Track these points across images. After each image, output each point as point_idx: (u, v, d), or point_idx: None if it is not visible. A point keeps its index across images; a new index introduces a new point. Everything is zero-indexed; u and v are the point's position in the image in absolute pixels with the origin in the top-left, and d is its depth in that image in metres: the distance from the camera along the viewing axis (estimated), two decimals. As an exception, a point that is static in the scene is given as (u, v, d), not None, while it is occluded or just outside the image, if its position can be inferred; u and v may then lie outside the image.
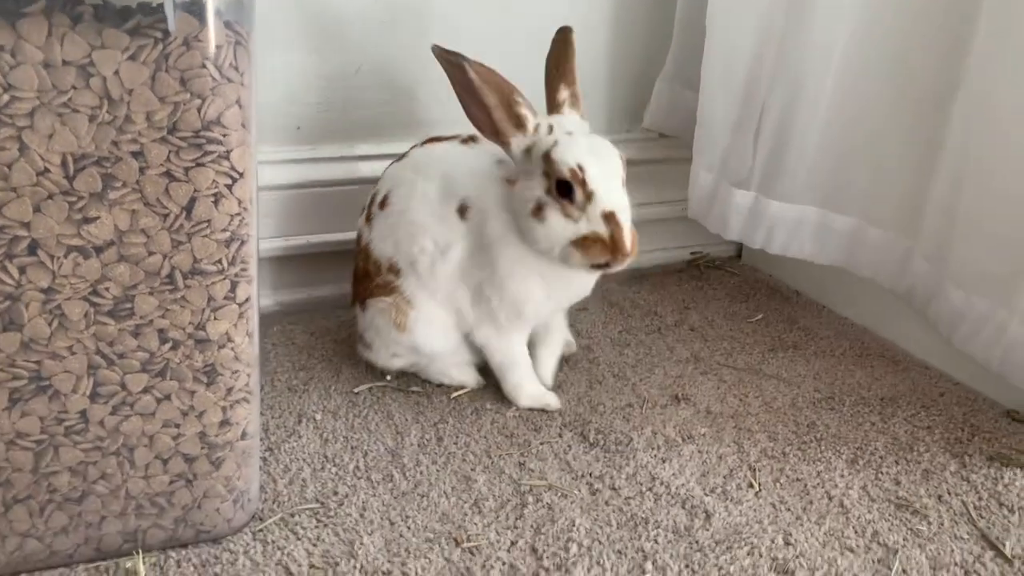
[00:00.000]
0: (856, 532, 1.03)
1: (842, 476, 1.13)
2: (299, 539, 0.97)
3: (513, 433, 1.19)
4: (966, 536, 1.03)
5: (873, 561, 0.98)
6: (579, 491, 1.08)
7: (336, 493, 1.05)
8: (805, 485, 1.11)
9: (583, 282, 1.22)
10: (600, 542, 0.99)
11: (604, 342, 1.48)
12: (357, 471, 1.10)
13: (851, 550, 1.00)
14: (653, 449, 1.17)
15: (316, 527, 0.99)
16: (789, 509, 1.06)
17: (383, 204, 1.24)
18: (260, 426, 0.99)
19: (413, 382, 1.31)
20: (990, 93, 1.16)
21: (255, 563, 0.93)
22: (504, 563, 0.95)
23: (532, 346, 1.32)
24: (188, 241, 0.82)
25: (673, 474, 1.12)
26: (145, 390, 0.86)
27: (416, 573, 0.93)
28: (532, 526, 1.01)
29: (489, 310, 1.20)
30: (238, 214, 0.84)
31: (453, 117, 1.57)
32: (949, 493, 1.11)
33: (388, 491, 1.06)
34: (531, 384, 1.27)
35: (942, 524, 1.05)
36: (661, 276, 1.77)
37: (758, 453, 1.17)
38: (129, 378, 0.85)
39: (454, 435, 1.18)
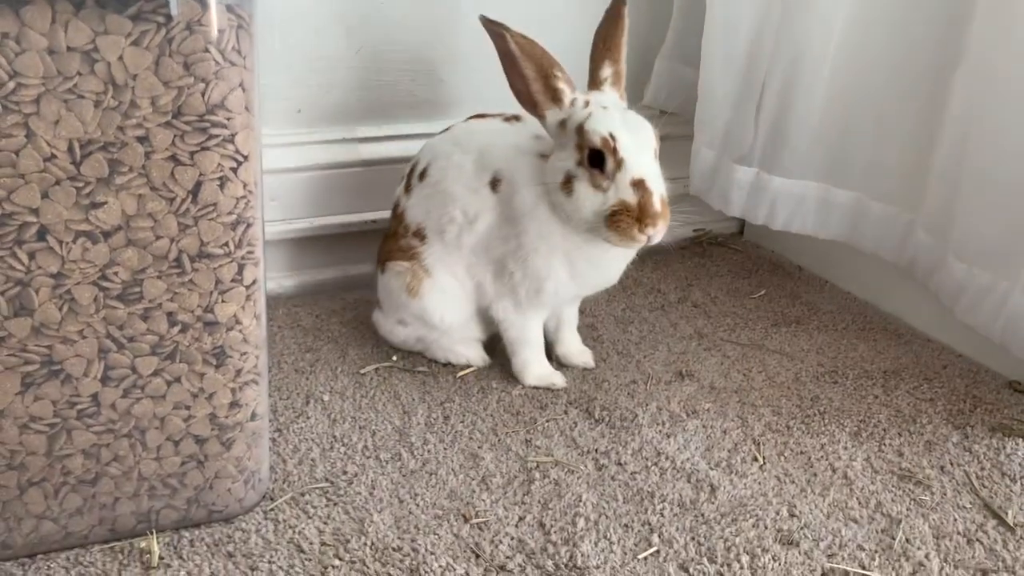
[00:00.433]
0: (860, 503, 1.04)
1: (845, 448, 1.14)
2: (310, 518, 0.98)
3: (519, 411, 1.21)
4: (969, 505, 1.04)
5: (877, 531, 0.99)
6: (585, 467, 1.09)
7: (345, 472, 1.07)
8: (809, 458, 1.12)
9: (611, 267, 1.22)
10: (607, 516, 1.00)
11: (608, 320, 1.49)
12: (366, 450, 1.11)
13: (855, 521, 1.01)
14: (658, 425, 1.18)
15: (326, 506, 1.00)
16: (793, 481, 1.07)
17: (422, 176, 1.26)
18: (269, 407, 1.00)
19: (419, 362, 1.32)
20: (991, 66, 1.16)
21: (267, 541, 0.95)
22: (512, 538, 0.96)
23: (555, 331, 1.33)
24: (195, 224, 0.83)
25: (678, 449, 1.13)
26: (155, 373, 0.87)
27: (426, 549, 0.94)
28: (539, 502, 1.02)
29: (511, 284, 1.21)
30: (243, 197, 0.84)
31: (453, 98, 1.59)
32: (952, 464, 1.12)
33: (397, 469, 1.07)
34: (539, 364, 1.28)
35: (945, 494, 1.06)
36: (664, 253, 1.77)
37: (762, 427, 1.18)
38: (139, 361, 0.86)
39: (461, 414, 1.19)
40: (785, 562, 0.94)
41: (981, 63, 1.18)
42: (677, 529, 0.98)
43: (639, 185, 1.08)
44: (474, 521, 0.99)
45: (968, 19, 1.20)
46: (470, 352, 1.31)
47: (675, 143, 1.69)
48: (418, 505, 1.01)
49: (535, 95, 1.15)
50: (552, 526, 0.98)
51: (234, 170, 0.82)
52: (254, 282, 0.89)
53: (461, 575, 0.91)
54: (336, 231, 1.54)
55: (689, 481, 1.07)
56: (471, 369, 1.31)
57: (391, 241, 1.30)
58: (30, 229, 0.78)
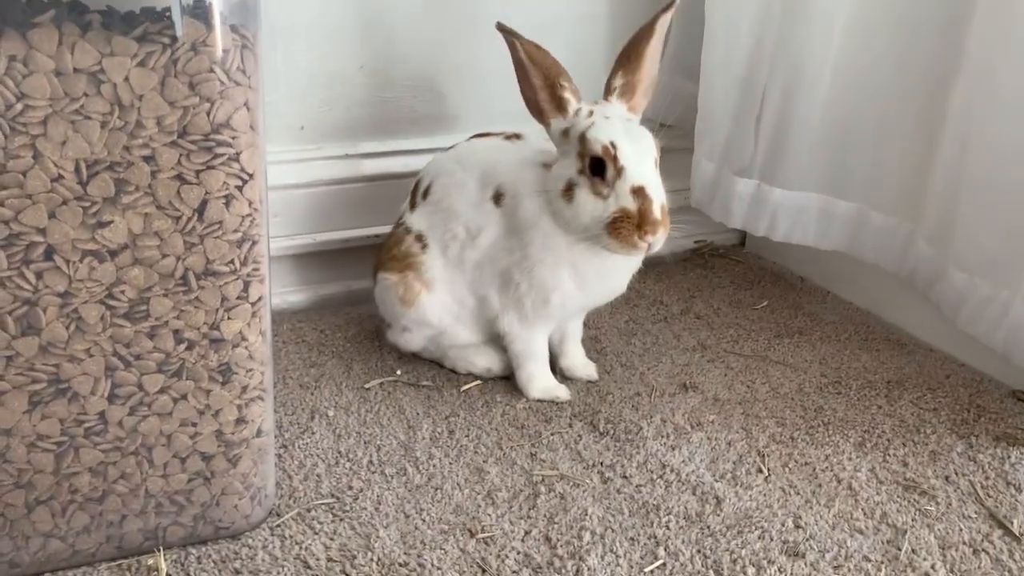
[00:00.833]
0: (865, 514, 1.04)
1: (850, 459, 1.14)
2: (316, 533, 0.99)
3: (524, 424, 1.21)
4: (974, 515, 1.04)
5: (883, 542, 0.99)
6: (591, 480, 1.09)
7: (351, 488, 1.07)
8: (814, 469, 1.12)
9: (617, 277, 1.23)
10: (613, 530, 1.00)
11: (611, 332, 1.49)
12: (371, 465, 1.11)
13: (860, 532, 1.01)
14: (663, 437, 1.18)
15: (332, 521, 1.01)
16: (798, 493, 1.07)
17: (426, 194, 1.28)
18: (274, 423, 1.00)
19: (423, 376, 1.33)
20: (990, 75, 1.17)
21: (274, 558, 0.95)
22: (519, 552, 0.96)
23: (559, 343, 1.34)
24: (200, 243, 0.83)
25: (683, 461, 1.13)
26: (162, 390, 0.87)
27: (432, 564, 0.94)
28: (545, 515, 1.02)
29: (517, 296, 1.22)
30: (249, 215, 0.85)
31: (456, 113, 1.60)
32: (956, 473, 1.12)
33: (402, 484, 1.08)
34: (543, 377, 1.28)
35: (950, 504, 1.06)
36: (666, 265, 1.78)
37: (767, 438, 1.18)
38: (146, 379, 0.86)
39: (465, 428, 1.20)
40: (791, 574, 0.94)
41: (979, 73, 1.19)
42: (683, 542, 0.98)
43: (639, 192, 1.09)
44: (480, 536, 0.99)
45: (965, 29, 1.21)
46: (486, 360, 1.32)
47: (676, 155, 1.70)
48: (424, 520, 1.01)
49: (541, 103, 1.16)
50: (558, 540, 0.98)
51: (239, 188, 0.83)
52: (260, 299, 0.89)
53: (468, 590, 0.91)
54: (339, 246, 1.54)
55: (694, 493, 1.07)
56: (476, 383, 1.31)
57: (384, 250, 1.32)
58: (37, 249, 0.78)
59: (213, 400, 0.90)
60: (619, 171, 1.09)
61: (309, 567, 0.94)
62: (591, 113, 1.14)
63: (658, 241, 1.10)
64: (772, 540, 0.99)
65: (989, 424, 1.23)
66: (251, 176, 0.84)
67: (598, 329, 1.50)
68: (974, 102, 1.20)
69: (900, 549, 0.98)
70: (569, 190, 1.12)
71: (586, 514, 1.03)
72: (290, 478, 1.08)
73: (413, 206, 1.30)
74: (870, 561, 0.96)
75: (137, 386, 0.86)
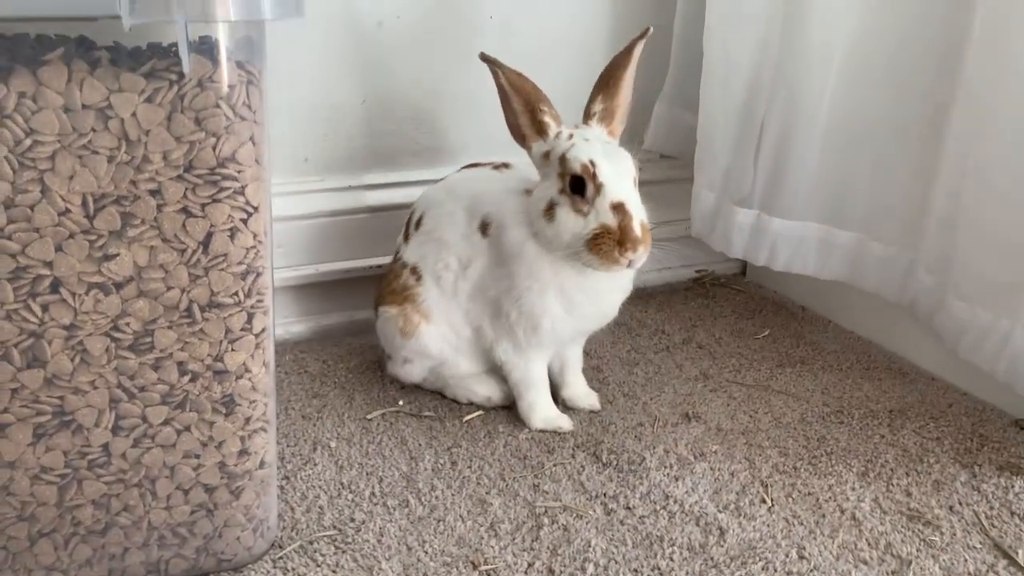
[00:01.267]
0: (869, 544, 1.03)
1: (853, 489, 1.14)
2: (318, 566, 0.98)
3: (526, 455, 1.21)
4: (979, 545, 1.04)
5: (887, 573, 0.99)
6: (594, 511, 1.09)
7: (353, 520, 1.07)
8: (817, 499, 1.12)
9: (607, 300, 1.23)
10: (616, 561, 1.00)
11: (613, 361, 1.49)
12: (373, 497, 1.11)
13: (865, 562, 1.00)
14: (666, 467, 1.18)
15: (335, 554, 1.00)
16: (802, 523, 1.07)
17: (418, 224, 1.30)
18: (277, 455, 1.00)
19: (426, 407, 1.33)
20: (986, 104, 1.18)
21: (276, 591, 0.94)
22: (522, 584, 0.96)
23: (559, 373, 1.34)
24: (205, 275, 0.84)
25: (686, 492, 1.13)
26: (165, 422, 0.87)
27: (435, 596, 0.94)
28: (548, 547, 1.02)
29: (508, 325, 1.23)
30: (253, 247, 0.86)
31: (457, 144, 1.61)
32: (960, 503, 1.11)
33: (404, 516, 1.07)
34: (545, 407, 1.28)
35: (954, 534, 1.06)
36: (667, 295, 1.78)
37: (770, 469, 1.18)
38: (150, 411, 0.86)
39: (468, 459, 1.20)
40: (796, 605, 0.94)
41: (975, 104, 1.20)
42: (687, 573, 0.98)
43: (619, 208, 1.11)
44: (483, 568, 0.99)
45: (961, 60, 1.22)
46: (487, 389, 1.32)
47: (676, 186, 1.72)
48: (426, 552, 1.01)
49: (523, 128, 1.20)
50: (561, 572, 0.98)
51: (244, 221, 0.84)
52: (263, 330, 0.90)
53: (471, 623, 0.91)
54: (342, 277, 1.55)
55: (698, 524, 1.07)
56: (478, 413, 1.31)
57: (383, 284, 1.34)
58: (44, 282, 0.79)
59: (216, 432, 0.90)
60: (598, 188, 1.11)
61: (311, 600, 0.93)
62: (571, 136, 1.17)
63: (639, 258, 1.11)
64: (776, 571, 0.99)
65: (992, 453, 1.22)
66: (256, 209, 0.84)
67: (600, 359, 1.50)
68: (971, 132, 1.21)
69: (905, 580, 0.98)
70: (550, 209, 1.14)
71: (589, 546, 1.02)
72: (292, 510, 1.08)
73: (407, 238, 1.32)
74: (875, 592, 0.96)
75: (141, 418, 0.86)
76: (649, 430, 1.27)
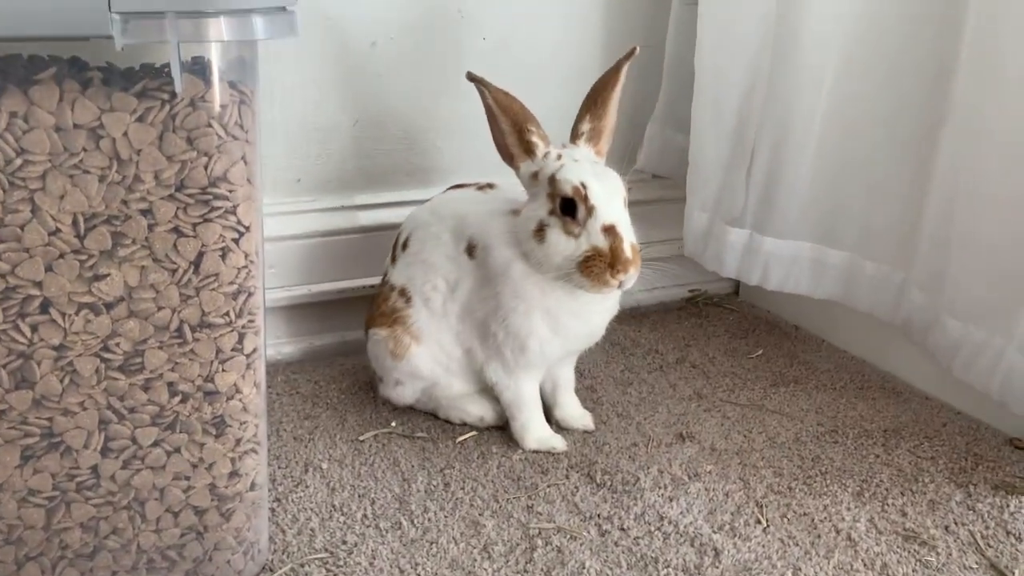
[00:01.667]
0: (865, 565, 1.03)
1: (849, 509, 1.13)
2: (310, 589, 0.97)
3: (520, 476, 1.20)
4: (975, 566, 1.03)
5: (884, 594, 0.98)
6: (588, 533, 1.08)
7: (345, 542, 1.05)
8: (812, 519, 1.11)
9: (594, 320, 1.23)
10: (610, 583, 0.99)
11: (607, 381, 1.49)
12: (365, 519, 1.10)
13: (861, 583, 1.00)
14: (660, 488, 1.17)
15: (326, 576, 0.99)
16: (797, 544, 1.06)
17: (404, 246, 1.30)
18: (268, 476, 1.00)
19: (418, 428, 1.32)
20: (976, 124, 1.19)
21: (266, 615, 0.93)
22: (515, 607, 0.95)
23: (552, 394, 1.34)
24: (196, 295, 0.83)
25: (681, 512, 1.12)
26: (155, 443, 0.87)
27: (428, 620, 0.93)
28: (542, 570, 1.01)
29: (496, 346, 1.22)
30: (245, 267, 0.85)
31: (448, 165, 1.62)
32: (956, 523, 1.11)
33: (397, 539, 1.06)
34: (538, 427, 1.28)
35: (950, 555, 1.05)
36: (661, 314, 1.78)
37: (764, 489, 1.18)
38: (140, 432, 0.86)
39: (461, 480, 1.19)
40: (792, 627, 0.93)
41: (966, 123, 1.21)
42: (682, 595, 0.97)
43: (610, 231, 1.11)
44: (476, 590, 0.98)
45: (951, 80, 1.23)
46: (480, 409, 1.31)
47: (668, 205, 1.73)
48: (419, 575, 1.00)
49: (510, 147, 1.20)
50: (555, 594, 0.97)
51: (236, 241, 0.84)
52: (254, 351, 0.89)
53: (464, 646, 0.89)
54: (334, 297, 1.55)
55: (693, 545, 1.06)
56: (471, 434, 1.30)
57: (373, 307, 1.34)
58: (33, 302, 0.78)
59: (207, 453, 0.89)
60: (590, 210, 1.11)
61: (302, 624, 0.92)
62: (559, 156, 1.17)
63: (629, 279, 1.12)
64: (772, 593, 0.98)
65: (987, 472, 1.22)
66: (248, 228, 0.84)
67: (594, 379, 1.49)
68: (962, 150, 1.22)
69: (901, 601, 0.97)
70: (540, 231, 1.14)
71: (584, 567, 1.01)
72: (283, 532, 1.07)
73: (394, 260, 1.32)
74: (872, 613, 0.95)
75: (130, 439, 0.85)
76: (643, 450, 1.27)
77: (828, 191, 1.43)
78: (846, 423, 1.35)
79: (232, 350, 0.87)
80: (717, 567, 1.02)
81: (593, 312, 1.22)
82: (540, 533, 1.08)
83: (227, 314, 0.85)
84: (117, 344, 0.82)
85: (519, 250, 1.18)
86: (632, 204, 1.18)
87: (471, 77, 1.19)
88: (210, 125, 0.79)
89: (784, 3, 1.39)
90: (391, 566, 1.01)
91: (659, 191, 1.77)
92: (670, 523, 1.10)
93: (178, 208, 0.80)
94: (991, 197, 1.18)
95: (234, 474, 0.91)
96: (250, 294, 0.86)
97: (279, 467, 1.21)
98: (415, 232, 1.30)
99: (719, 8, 1.46)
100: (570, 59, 1.65)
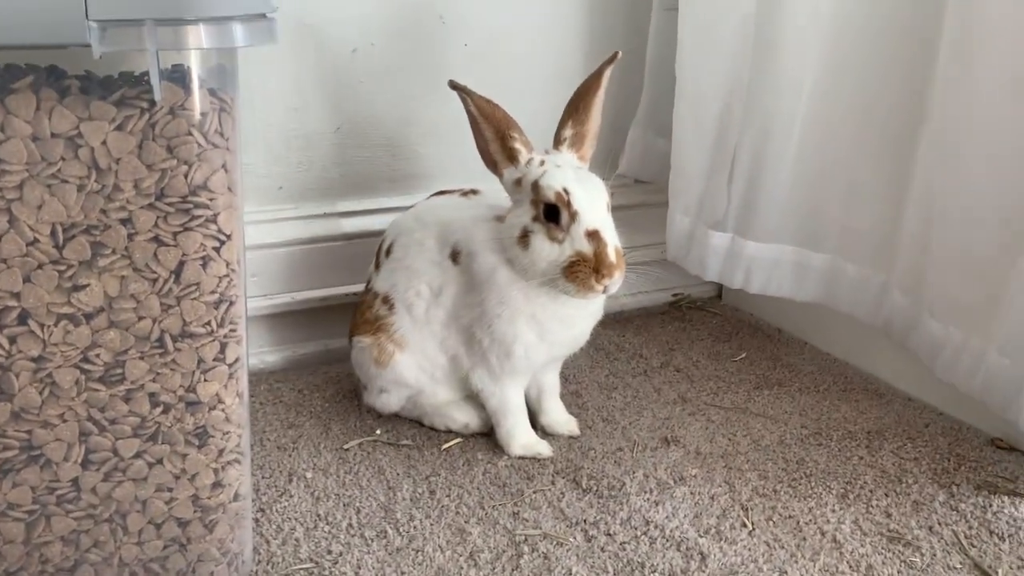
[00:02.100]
0: (850, 567, 1.03)
1: (833, 511, 1.14)
2: (295, 600, 0.96)
3: (506, 483, 1.20)
4: (959, 566, 1.04)
5: (869, 595, 0.98)
6: (574, 538, 1.08)
7: (330, 552, 1.05)
8: (798, 522, 1.12)
9: (579, 325, 1.23)
10: (597, 589, 0.99)
11: (592, 386, 1.49)
12: (350, 528, 1.09)
13: (847, 585, 1.00)
14: (646, 492, 1.17)
15: (311, 587, 0.99)
16: (783, 547, 1.07)
17: (388, 252, 1.30)
18: (251, 487, 0.99)
19: (403, 435, 1.31)
20: (953, 126, 1.20)
21: (251, 626, 0.92)
22: (502, 614, 0.94)
23: (537, 399, 1.34)
24: (177, 305, 0.83)
25: (667, 517, 1.12)
26: (137, 455, 0.86)
27: (414, 629, 0.92)
28: (529, 576, 1.01)
29: (481, 352, 1.22)
30: (226, 275, 0.85)
31: (431, 171, 1.61)
32: (939, 524, 1.11)
33: (382, 547, 1.06)
34: (524, 433, 1.27)
35: (934, 555, 1.06)
36: (644, 318, 1.78)
37: (750, 492, 1.18)
38: (121, 443, 0.85)
39: (447, 487, 1.18)
40: (779, 630, 0.93)
41: (941, 127, 1.22)
42: (669, 600, 0.97)
43: (594, 236, 1.11)
44: (463, 598, 0.97)
45: (928, 85, 1.24)
46: (465, 416, 1.31)
47: (651, 210, 1.73)
48: (405, 583, 0.99)
49: (493, 154, 1.20)
50: (542, 601, 0.97)
51: (217, 249, 0.83)
52: (236, 360, 0.88)
53: (451, 655, 0.89)
54: (318, 305, 1.54)
55: (679, 550, 1.06)
56: (456, 441, 1.30)
57: (357, 314, 1.33)
58: (11, 313, 0.77)
59: (189, 464, 0.88)
60: (573, 216, 1.12)
61: (288, 635, 0.91)
62: (542, 162, 1.17)
63: (614, 284, 1.12)
64: (758, 596, 0.98)
65: (970, 472, 1.23)
66: (228, 237, 0.84)
67: (579, 384, 1.49)
68: (941, 153, 1.23)
69: (887, 602, 0.97)
70: (525, 237, 1.14)
71: (570, 574, 1.01)
72: (268, 543, 1.06)
73: (378, 267, 1.32)
74: (857, 615, 0.95)
75: (112, 451, 0.85)
76: (628, 455, 1.27)
77: (809, 194, 1.44)
78: (830, 425, 1.36)
79: (214, 360, 0.86)
80: (703, 571, 1.02)
81: (578, 317, 1.22)
82: (526, 540, 1.07)
83: (208, 324, 0.85)
84: (97, 355, 0.81)
85: (503, 256, 1.18)
86: (615, 209, 1.18)
87: (453, 85, 1.19)
88: (190, 133, 0.79)
89: (763, 7, 1.39)
90: (377, 575, 1.00)
91: (641, 196, 1.77)
92: (656, 527, 1.10)
93: (158, 217, 0.80)
94: (968, 200, 1.19)
95: (217, 485, 0.91)
96: (232, 303, 0.86)
97: (263, 477, 1.20)
98: (399, 239, 1.30)
99: (698, 12, 1.47)
100: (552, 64, 1.65)
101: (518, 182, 1.18)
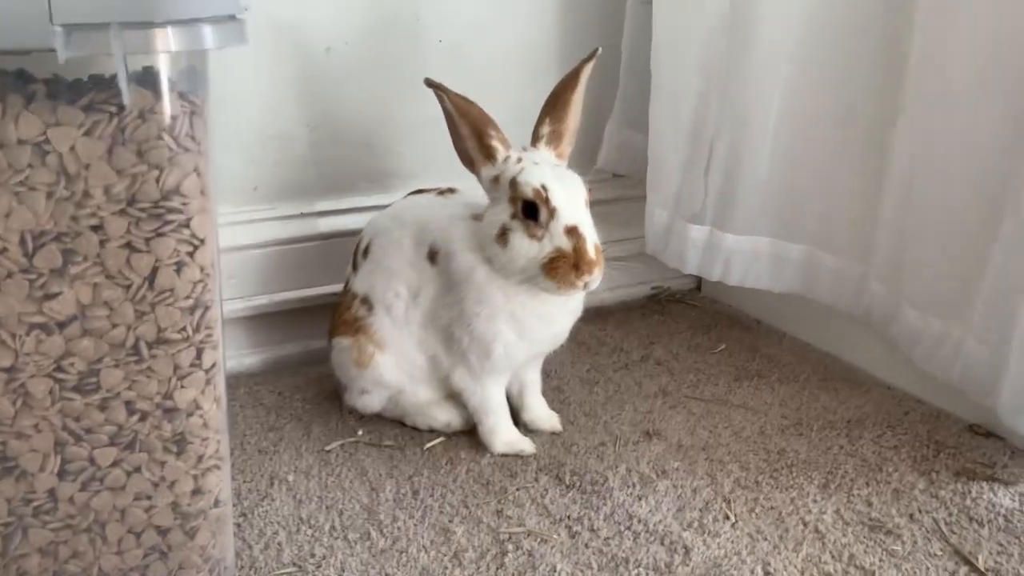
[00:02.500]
0: (833, 556, 1.04)
1: (815, 501, 1.14)
2: (278, 605, 0.96)
3: (489, 481, 1.19)
4: (939, 552, 1.05)
5: (852, 584, 0.99)
6: (558, 535, 1.08)
7: (313, 555, 1.04)
8: (780, 513, 1.12)
9: (559, 322, 1.23)
10: (582, 585, 0.99)
11: (573, 381, 1.49)
12: (333, 531, 1.09)
13: (829, 575, 1.01)
14: (628, 487, 1.18)
15: (295, 591, 0.98)
16: (766, 538, 1.07)
17: (366, 252, 1.29)
18: (232, 492, 0.98)
19: (386, 436, 1.31)
20: (925, 118, 1.21)
21: (235, 633, 0.92)
22: (488, 614, 0.94)
23: (518, 396, 1.33)
24: (152, 311, 0.82)
25: (650, 511, 1.12)
26: (114, 464, 0.85)
27: (399, 631, 0.92)
28: (513, 574, 1.01)
29: (461, 352, 1.22)
30: (200, 280, 0.84)
31: (408, 170, 1.61)
32: (920, 511, 1.12)
33: (366, 549, 1.05)
34: (506, 431, 1.27)
35: (915, 542, 1.06)
36: (624, 312, 1.79)
37: (731, 484, 1.18)
38: (98, 453, 0.84)
39: (430, 487, 1.18)
40: (763, 622, 0.93)
41: (916, 118, 1.23)
42: (653, 594, 0.97)
43: (573, 232, 1.11)
44: (448, 598, 0.97)
45: (903, 79, 1.24)
46: (447, 415, 1.31)
47: (629, 204, 1.73)
48: (390, 585, 0.99)
49: (471, 152, 1.19)
50: (527, 599, 0.97)
51: (190, 254, 0.82)
52: (213, 365, 0.87)
53: (437, 656, 0.89)
54: (296, 306, 1.53)
55: (663, 544, 1.06)
56: (439, 440, 1.29)
57: (336, 315, 1.32)
58: (-19, 324, 0.76)
59: (168, 471, 0.87)
60: (552, 212, 1.12)
61: (272, 641, 0.91)
62: (520, 160, 1.17)
63: (594, 280, 1.12)
64: (742, 588, 0.98)
65: (948, 460, 1.24)
66: (202, 241, 0.82)
67: (560, 379, 1.49)
68: (914, 144, 1.24)
69: (869, 591, 0.98)
70: (503, 235, 1.14)
71: (555, 571, 1.01)
72: (250, 548, 1.05)
73: (356, 267, 1.31)
74: (840, 605, 0.96)
75: (88, 460, 0.83)
76: (611, 449, 1.27)
77: (786, 186, 1.44)
78: (810, 415, 1.37)
79: (190, 366, 0.85)
80: (688, 565, 1.02)
81: (558, 314, 1.22)
82: (510, 538, 1.07)
83: (184, 329, 0.84)
84: (71, 364, 0.80)
85: (482, 255, 1.17)
86: (593, 204, 1.18)
87: (429, 83, 1.18)
88: (161, 137, 0.77)
89: (737, 1, 1.39)
90: (361, 577, 1.00)
91: (619, 190, 1.77)
92: (640, 522, 1.10)
93: (130, 223, 0.78)
94: (943, 190, 1.20)
95: (197, 491, 0.90)
96: (207, 308, 0.85)
97: (244, 481, 1.19)
98: (376, 239, 1.29)
99: (673, 7, 1.47)
100: (528, 61, 1.64)
101: (495, 180, 1.17)
